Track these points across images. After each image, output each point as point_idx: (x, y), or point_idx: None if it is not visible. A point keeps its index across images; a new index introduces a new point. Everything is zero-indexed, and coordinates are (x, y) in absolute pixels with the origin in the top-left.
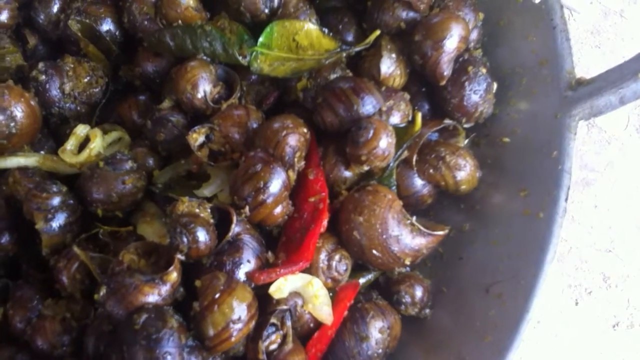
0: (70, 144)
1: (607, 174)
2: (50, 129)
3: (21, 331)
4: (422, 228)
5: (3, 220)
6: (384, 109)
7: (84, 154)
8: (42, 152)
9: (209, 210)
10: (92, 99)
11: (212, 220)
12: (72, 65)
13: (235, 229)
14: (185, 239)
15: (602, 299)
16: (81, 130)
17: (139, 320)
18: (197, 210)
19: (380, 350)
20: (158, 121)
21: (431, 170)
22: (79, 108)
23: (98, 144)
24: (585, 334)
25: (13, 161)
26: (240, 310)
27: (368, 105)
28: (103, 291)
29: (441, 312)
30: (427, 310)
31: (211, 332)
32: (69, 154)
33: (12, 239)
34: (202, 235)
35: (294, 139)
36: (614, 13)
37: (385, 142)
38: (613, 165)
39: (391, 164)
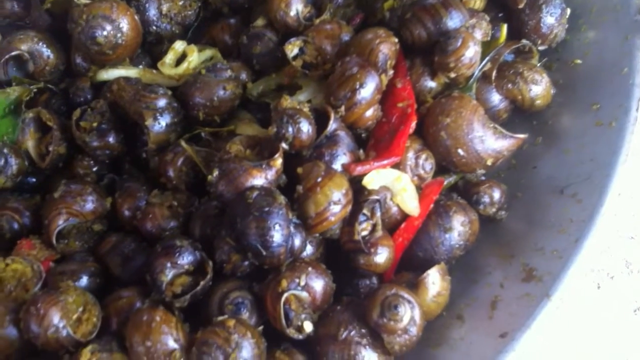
0: (169, 57)
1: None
2: (146, 49)
3: (129, 219)
4: (504, 131)
5: (110, 122)
6: (468, 25)
7: (183, 67)
8: (140, 66)
9: (308, 108)
10: (186, 20)
11: (312, 117)
12: None
13: (332, 125)
14: (290, 129)
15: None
16: (179, 45)
17: (251, 195)
18: (299, 106)
19: (461, 243)
20: (254, 35)
21: (509, 85)
22: (173, 29)
23: (195, 58)
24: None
25: (116, 72)
26: (339, 194)
27: (456, 19)
28: (215, 173)
29: (516, 214)
30: (503, 212)
31: (313, 211)
32: (168, 67)
33: (118, 139)
34: (305, 126)
35: (386, 47)
36: None
37: (473, 51)
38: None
39: (475, 73)
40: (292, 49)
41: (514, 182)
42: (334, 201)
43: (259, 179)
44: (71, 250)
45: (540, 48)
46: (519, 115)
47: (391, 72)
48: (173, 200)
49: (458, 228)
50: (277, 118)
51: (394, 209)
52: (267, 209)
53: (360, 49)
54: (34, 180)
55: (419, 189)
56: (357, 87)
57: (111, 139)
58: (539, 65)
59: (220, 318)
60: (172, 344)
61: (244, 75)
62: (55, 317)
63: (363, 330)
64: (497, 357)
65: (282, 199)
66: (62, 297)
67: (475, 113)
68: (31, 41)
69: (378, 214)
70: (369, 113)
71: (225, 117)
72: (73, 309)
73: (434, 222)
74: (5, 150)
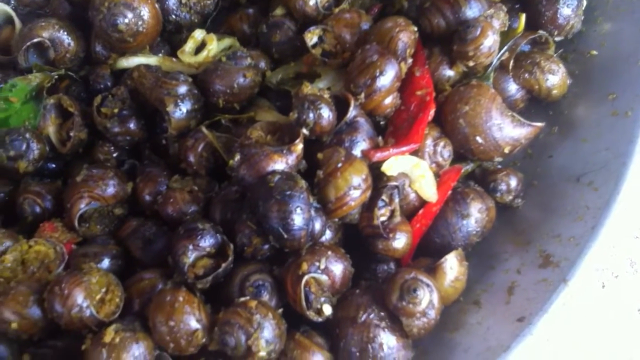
0: (189, 46)
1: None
2: (165, 37)
3: (149, 203)
4: (522, 119)
5: (130, 109)
6: (486, 15)
7: (202, 55)
8: (160, 55)
9: (329, 95)
10: (205, 10)
11: (332, 103)
12: None
13: (352, 111)
14: (311, 115)
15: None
16: (198, 34)
17: (273, 179)
18: (319, 93)
19: (478, 229)
20: (274, 24)
21: (526, 75)
22: (192, 18)
23: (215, 46)
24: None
25: (136, 60)
26: (358, 179)
27: (474, 8)
28: (237, 157)
29: (532, 202)
30: (519, 200)
31: (333, 196)
32: (188, 55)
33: (139, 125)
34: (326, 112)
35: (406, 36)
36: None
37: (492, 40)
38: None
39: (494, 62)
40: (311, 37)
41: (530, 170)
42: (354, 186)
43: (280, 163)
44: (92, 234)
45: (557, 39)
46: (535, 105)
47: (410, 60)
48: (193, 185)
49: (475, 215)
50: (299, 104)
51: (412, 196)
52: (288, 192)
53: (380, 37)
54: (53, 166)
55: (436, 176)
56: (377, 74)
57: (132, 125)
58: (555, 56)
59: (242, 299)
60: (194, 324)
61: (262, 64)
62: (79, 297)
63: (382, 313)
64: (514, 340)
65: (303, 183)
66: (86, 277)
67: (494, 101)
68: (52, 28)
69: (396, 200)
70: (388, 100)
71: (244, 105)
72: (96, 289)
73: (451, 208)
74: (28, 135)
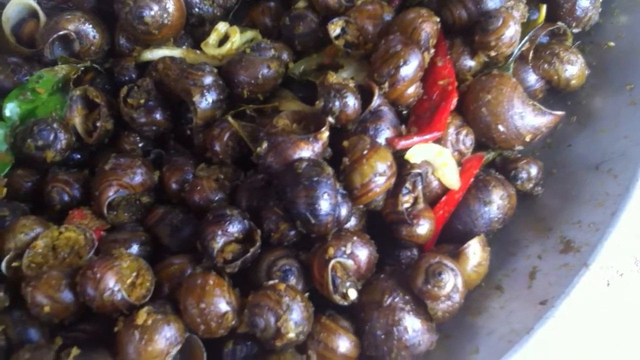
0: (212, 38)
1: None
2: (187, 30)
3: (176, 192)
4: (543, 108)
5: (156, 100)
6: (507, 6)
7: (226, 47)
8: (184, 47)
9: (354, 84)
10: (227, 3)
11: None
12: None
13: (376, 100)
14: (337, 103)
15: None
16: (222, 27)
17: (301, 166)
18: (345, 82)
19: (500, 216)
20: (296, 16)
21: (545, 65)
22: (215, 11)
23: (238, 38)
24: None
25: (160, 52)
26: (384, 165)
27: None
28: (264, 145)
29: (551, 190)
30: (539, 188)
31: (358, 182)
32: (211, 47)
33: (165, 115)
34: (351, 101)
35: (429, 26)
36: None
37: (513, 30)
38: None
39: (515, 52)
40: (334, 28)
41: (549, 159)
42: (379, 173)
43: (307, 151)
44: (120, 221)
45: (574, 31)
46: (553, 96)
47: (432, 51)
48: (219, 173)
49: (497, 202)
50: (325, 92)
51: (435, 183)
52: (316, 178)
53: (403, 28)
54: (78, 156)
55: (458, 164)
56: (401, 64)
57: (158, 116)
58: (573, 47)
59: (271, 282)
60: (224, 306)
61: (285, 56)
62: (111, 281)
63: (406, 297)
64: (537, 322)
65: (330, 169)
66: (117, 262)
67: (515, 90)
68: (78, 21)
69: (419, 187)
70: (411, 90)
71: (267, 95)
72: (127, 273)
73: (473, 195)
74: (55, 126)
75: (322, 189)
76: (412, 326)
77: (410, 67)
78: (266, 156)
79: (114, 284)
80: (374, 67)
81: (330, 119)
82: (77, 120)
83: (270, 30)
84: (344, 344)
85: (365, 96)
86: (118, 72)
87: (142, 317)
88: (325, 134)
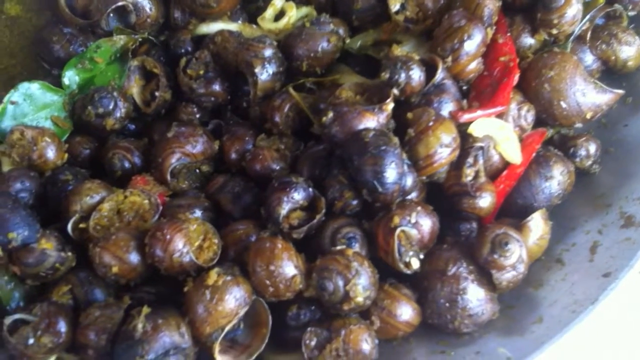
0: (269, 13)
1: None
2: (242, 6)
3: (236, 161)
4: (604, 86)
5: (214, 71)
6: None
7: (283, 21)
8: (239, 22)
9: (418, 57)
10: None
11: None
12: None
13: (440, 74)
14: (403, 75)
15: None
16: (278, 2)
17: (368, 135)
18: (410, 55)
19: (560, 191)
20: None
21: (603, 46)
22: None
23: (294, 13)
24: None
25: (217, 26)
26: (449, 137)
27: None
28: (330, 115)
29: (609, 168)
30: (597, 166)
31: (423, 153)
32: (268, 21)
33: (224, 87)
34: (417, 73)
35: (492, 3)
36: None
37: (576, 8)
38: None
39: (576, 31)
40: (395, 3)
41: (605, 139)
42: (445, 144)
43: (372, 121)
44: (182, 188)
45: (630, 14)
46: (607, 77)
47: (494, 28)
48: (280, 143)
49: (558, 177)
50: (390, 64)
51: (496, 157)
52: (383, 147)
53: (467, 4)
54: (133, 127)
55: (519, 139)
56: (465, 39)
57: (217, 87)
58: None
59: (339, 247)
60: (292, 269)
61: (341, 31)
62: (180, 243)
63: (470, 267)
64: (602, 294)
65: (396, 140)
66: (185, 225)
67: (577, 68)
68: None
69: (481, 161)
70: (473, 65)
71: (325, 69)
72: (195, 236)
73: (534, 170)
74: (115, 94)
75: (390, 158)
76: (476, 295)
77: (473, 42)
78: (331, 126)
79: (183, 245)
80: (437, 42)
81: (395, 91)
82: (134, 90)
83: (324, 6)
84: (406, 311)
85: (427, 71)
86: (174, 45)
87: (212, 277)
88: (390, 105)
